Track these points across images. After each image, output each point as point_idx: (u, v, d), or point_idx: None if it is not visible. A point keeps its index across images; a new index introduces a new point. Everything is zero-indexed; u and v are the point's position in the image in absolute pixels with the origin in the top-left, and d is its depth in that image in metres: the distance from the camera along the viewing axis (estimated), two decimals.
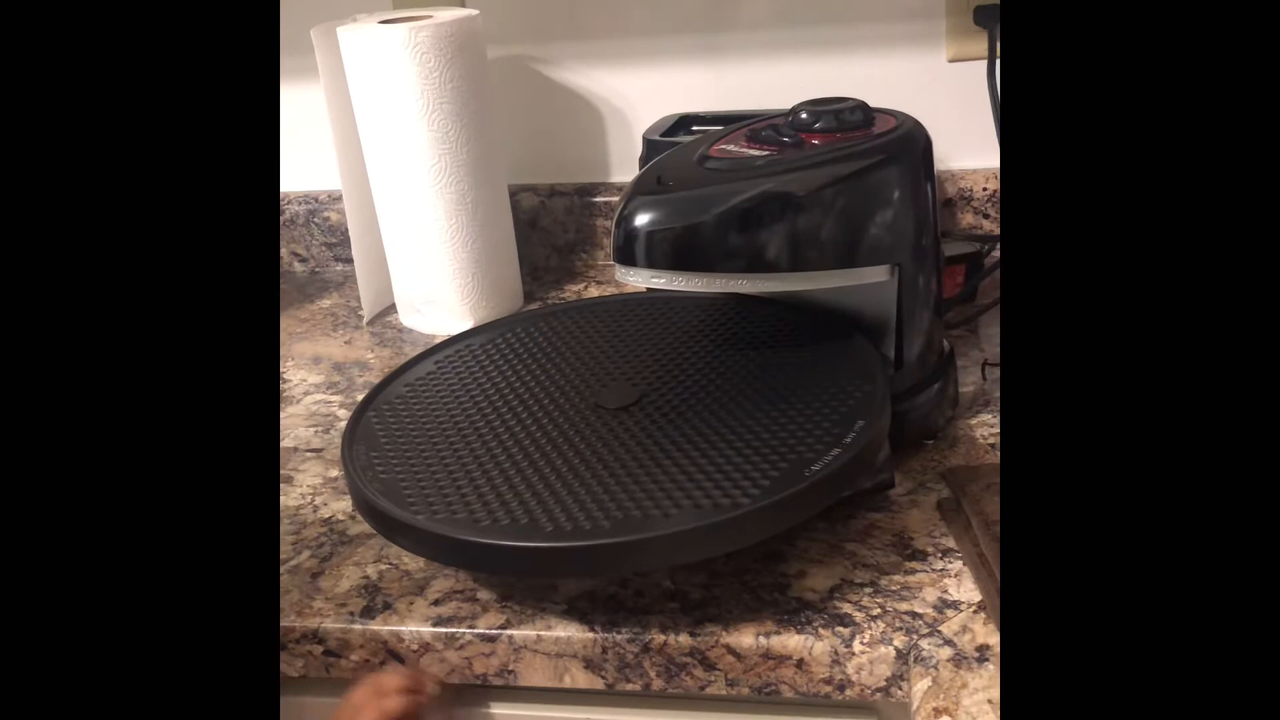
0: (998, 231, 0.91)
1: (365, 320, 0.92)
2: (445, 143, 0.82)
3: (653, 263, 0.56)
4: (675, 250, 0.56)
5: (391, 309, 0.93)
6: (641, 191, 0.57)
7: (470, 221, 0.85)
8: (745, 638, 0.50)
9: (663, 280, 0.57)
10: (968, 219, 0.91)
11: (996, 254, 0.87)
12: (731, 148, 0.60)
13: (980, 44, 0.87)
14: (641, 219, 0.56)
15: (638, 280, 0.57)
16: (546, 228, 0.99)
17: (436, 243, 0.85)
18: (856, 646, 0.49)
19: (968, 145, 0.90)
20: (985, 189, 0.90)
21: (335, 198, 1.03)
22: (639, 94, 0.96)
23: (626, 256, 0.56)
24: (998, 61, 0.85)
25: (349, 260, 1.04)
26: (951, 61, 0.89)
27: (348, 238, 0.91)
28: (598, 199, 0.98)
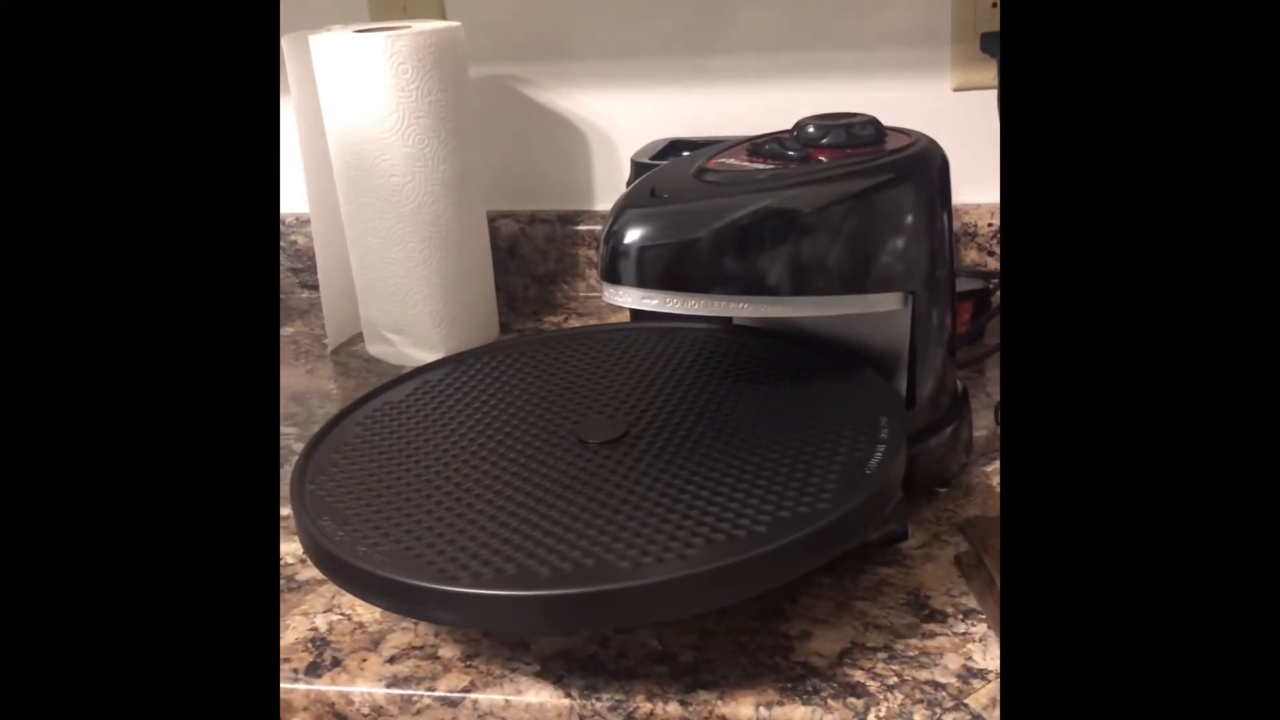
0: None
1: (329, 349, 0.86)
2: (420, 160, 0.77)
3: (643, 281, 0.51)
4: (668, 268, 0.51)
5: (358, 338, 0.87)
6: (633, 204, 0.51)
7: (444, 244, 0.79)
8: (743, 708, 0.44)
9: (654, 301, 0.51)
10: (972, 255, 0.87)
11: None
12: (732, 161, 0.55)
13: (987, 72, 0.83)
14: (633, 234, 0.50)
15: (626, 300, 0.51)
16: (526, 256, 0.94)
17: (407, 267, 0.79)
18: None
19: (973, 179, 0.86)
20: (990, 224, 0.86)
21: (303, 221, 0.97)
22: (626, 118, 0.91)
23: (614, 274, 0.51)
24: None
25: (316, 286, 0.98)
26: (956, 91, 0.85)
27: (315, 262, 0.85)
28: (580, 227, 0.93)
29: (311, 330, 0.91)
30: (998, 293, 0.81)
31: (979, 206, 0.86)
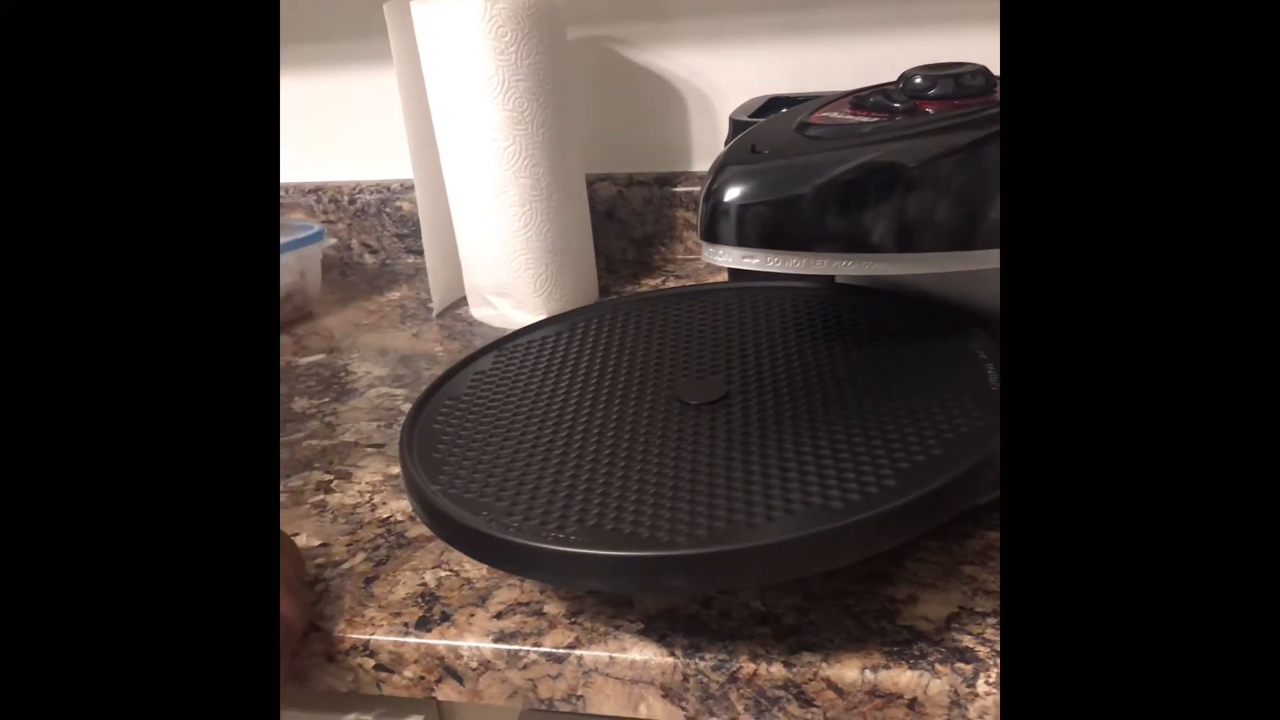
0: None
1: (434, 313, 0.88)
2: (521, 123, 0.77)
3: (744, 240, 0.50)
4: (769, 226, 0.50)
5: (462, 301, 0.89)
6: (733, 161, 0.51)
7: (545, 208, 0.79)
8: (849, 671, 0.44)
9: (755, 260, 0.50)
10: None
11: None
12: (835, 115, 0.54)
13: None
14: (733, 191, 0.50)
15: (726, 260, 0.51)
16: (624, 219, 0.94)
17: (509, 231, 0.80)
18: (980, 686, 0.42)
19: None
20: None
21: (408, 186, 0.99)
22: (724, 77, 0.90)
23: (714, 233, 0.50)
24: None
25: (420, 251, 1.00)
26: None
27: (419, 228, 0.87)
28: (678, 189, 0.92)
29: (417, 294, 0.93)
30: None
31: None
